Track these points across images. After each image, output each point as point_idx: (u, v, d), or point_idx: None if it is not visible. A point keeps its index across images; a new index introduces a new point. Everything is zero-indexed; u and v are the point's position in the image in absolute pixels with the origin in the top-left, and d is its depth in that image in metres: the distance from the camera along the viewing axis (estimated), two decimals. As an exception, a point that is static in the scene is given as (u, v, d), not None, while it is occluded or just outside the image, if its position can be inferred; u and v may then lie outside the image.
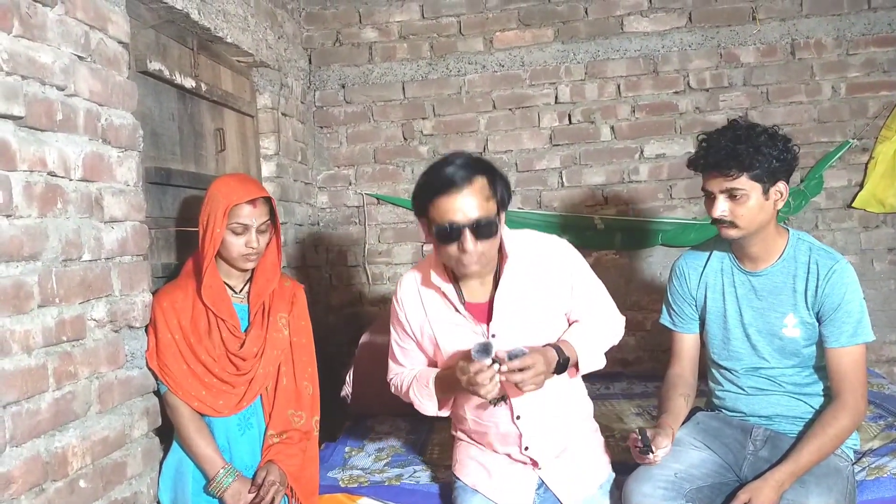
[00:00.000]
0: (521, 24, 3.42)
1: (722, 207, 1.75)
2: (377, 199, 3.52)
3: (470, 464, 1.89)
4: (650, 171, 3.40)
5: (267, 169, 2.97)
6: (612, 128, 3.41)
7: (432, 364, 1.90)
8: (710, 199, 1.79)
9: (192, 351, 1.83)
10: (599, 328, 1.79)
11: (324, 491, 2.20)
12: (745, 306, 1.86)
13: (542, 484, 1.84)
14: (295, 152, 3.21)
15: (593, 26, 3.38)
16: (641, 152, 3.40)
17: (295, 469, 1.90)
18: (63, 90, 1.54)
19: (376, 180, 3.53)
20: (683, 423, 1.92)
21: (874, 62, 3.26)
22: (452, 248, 1.61)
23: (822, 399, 1.85)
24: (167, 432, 1.88)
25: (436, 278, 1.75)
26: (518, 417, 1.77)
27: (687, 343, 2.01)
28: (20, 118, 1.40)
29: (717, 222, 1.79)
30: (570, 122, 3.42)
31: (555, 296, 1.77)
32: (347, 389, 2.95)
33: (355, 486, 2.22)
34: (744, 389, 1.90)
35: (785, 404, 1.86)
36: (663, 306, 2.06)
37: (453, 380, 1.66)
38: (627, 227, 3.35)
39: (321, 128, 3.54)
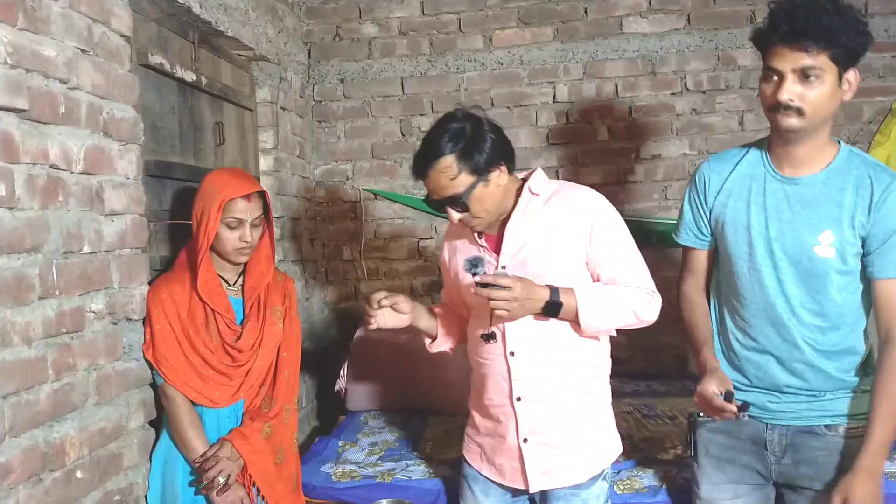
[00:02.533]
0: (520, 23, 3.43)
1: (793, 89, 1.49)
2: (374, 194, 3.53)
3: (471, 446, 1.90)
4: (646, 172, 3.42)
5: (265, 163, 2.98)
6: (608, 128, 3.43)
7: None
8: (772, 80, 1.53)
9: (189, 342, 1.85)
10: (618, 291, 1.69)
11: (317, 489, 2.21)
12: (773, 218, 1.61)
13: (524, 465, 1.75)
14: (293, 146, 3.22)
15: (592, 26, 3.40)
16: (637, 153, 3.42)
17: (250, 451, 1.85)
18: (66, 83, 1.54)
19: (374, 176, 3.54)
20: (696, 459, 1.80)
21: (869, 67, 3.28)
22: (452, 213, 1.73)
23: (839, 360, 1.64)
24: (156, 424, 1.89)
25: None
26: (511, 354, 1.72)
27: (701, 257, 1.81)
28: (24, 111, 1.40)
29: (774, 110, 1.53)
30: (568, 122, 3.44)
31: (572, 239, 1.70)
32: (342, 384, 2.97)
33: (348, 480, 2.24)
34: (756, 340, 1.68)
35: (798, 361, 1.64)
36: (679, 220, 1.84)
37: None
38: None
39: (319, 122, 3.55)
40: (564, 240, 1.71)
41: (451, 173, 1.65)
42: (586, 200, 1.74)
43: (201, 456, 1.82)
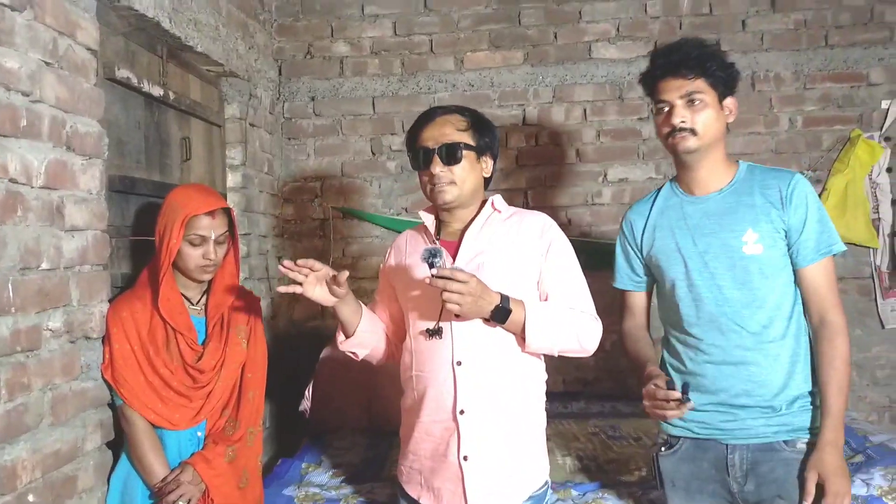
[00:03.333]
0: (491, 46, 3.47)
1: (683, 113, 1.70)
2: (343, 213, 3.52)
3: (411, 475, 1.80)
4: (613, 195, 3.46)
5: (232, 179, 2.95)
6: (577, 151, 3.47)
7: (396, 313, 1.91)
8: (665, 112, 1.74)
9: (149, 362, 1.81)
10: (565, 313, 1.72)
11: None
12: (699, 234, 1.76)
13: (464, 485, 1.70)
14: (262, 163, 3.20)
15: (562, 51, 3.45)
16: (605, 176, 3.46)
17: (212, 475, 1.81)
18: (28, 96, 1.51)
19: (343, 194, 3.53)
20: (664, 491, 1.83)
21: (829, 97, 3.38)
22: (426, 176, 1.76)
23: (783, 346, 1.71)
24: (115, 446, 1.84)
25: (423, 214, 1.88)
26: (458, 363, 1.70)
27: (639, 299, 1.95)
28: (-18, 124, 1.37)
29: (671, 136, 1.73)
30: (537, 144, 3.47)
31: (526, 256, 1.75)
32: (306, 404, 2.93)
33: (311, 503, 2.21)
34: (706, 352, 1.75)
35: (750, 363, 1.71)
36: (614, 267, 1.96)
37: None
38: (589, 248, 3.39)
39: (289, 139, 3.53)
40: (521, 255, 1.76)
41: (460, 126, 1.77)
42: (545, 222, 1.82)
43: (162, 480, 1.78)
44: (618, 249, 1.96)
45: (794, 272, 1.73)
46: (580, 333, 1.72)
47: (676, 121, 1.71)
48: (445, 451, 1.71)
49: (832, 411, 1.65)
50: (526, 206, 3.45)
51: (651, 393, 1.68)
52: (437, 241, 1.79)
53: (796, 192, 1.70)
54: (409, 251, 1.86)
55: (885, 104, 3.35)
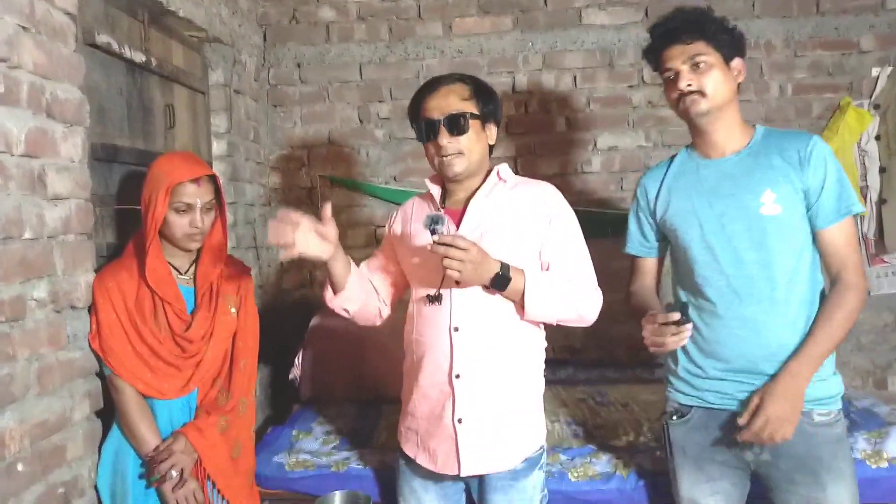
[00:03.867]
0: (480, 11, 3.41)
1: (688, 77, 1.70)
2: (331, 181, 3.49)
3: (408, 434, 1.85)
4: (603, 163, 3.45)
5: (218, 147, 2.91)
6: (567, 118, 3.45)
7: (393, 274, 1.94)
8: (672, 80, 1.74)
9: (137, 332, 1.79)
10: (565, 283, 1.74)
11: (270, 480, 2.19)
12: (715, 196, 1.74)
13: (458, 446, 1.74)
14: (247, 131, 3.15)
15: (552, 17, 3.40)
16: (595, 144, 3.45)
17: (205, 445, 1.81)
18: (6, 62, 1.47)
19: (331, 162, 3.49)
20: (672, 459, 1.83)
21: (820, 64, 3.36)
22: (432, 147, 1.76)
23: (800, 310, 1.70)
24: (106, 417, 1.84)
25: (428, 183, 1.87)
26: (455, 329, 1.73)
27: (649, 263, 1.96)
28: (-41, 90, 1.34)
29: (682, 100, 1.73)
30: (527, 112, 3.45)
31: (530, 226, 1.76)
32: (296, 372, 2.94)
33: (301, 470, 2.22)
34: (721, 316, 1.72)
35: (766, 328, 1.69)
36: (626, 232, 1.98)
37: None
38: (579, 217, 3.38)
39: (275, 107, 3.48)
40: (524, 225, 1.76)
41: (464, 95, 1.76)
42: (551, 192, 1.83)
43: (154, 449, 1.78)
44: (630, 215, 1.96)
45: (813, 234, 1.71)
46: (579, 303, 1.75)
47: (683, 84, 1.71)
48: (441, 412, 1.75)
49: (808, 349, 1.64)
50: (516, 174, 3.43)
51: (649, 320, 1.69)
52: (441, 209, 1.80)
53: (815, 153, 1.68)
54: (414, 218, 1.87)
55: (874, 71, 3.34)
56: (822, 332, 1.66)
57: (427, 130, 1.75)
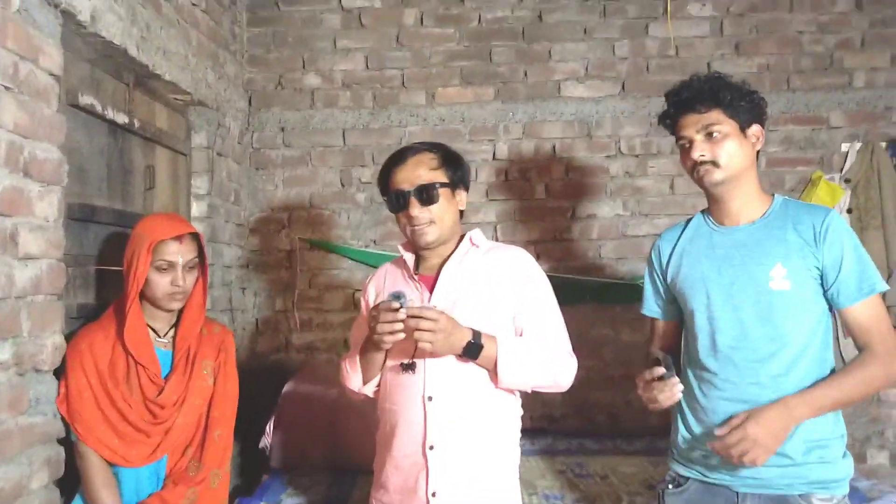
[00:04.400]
0: (463, 82, 3.50)
1: (702, 147, 1.68)
2: (310, 244, 3.48)
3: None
4: (581, 231, 3.48)
5: (197, 208, 2.90)
6: (546, 186, 3.49)
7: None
8: (686, 149, 1.72)
9: (107, 396, 1.75)
10: (539, 349, 1.73)
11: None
12: (726, 266, 1.71)
13: None
14: (228, 193, 3.16)
15: (532, 88, 3.49)
16: (573, 212, 3.49)
17: None
18: (-16, 121, 1.47)
19: (311, 225, 3.49)
20: None
21: (792, 139, 3.46)
22: (403, 217, 1.78)
23: (800, 388, 1.63)
24: (70, 484, 1.77)
25: (401, 250, 1.87)
26: (430, 398, 1.69)
27: (663, 326, 1.91)
28: (-66, 148, 1.33)
29: (696, 170, 1.70)
30: (507, 179, 3.49)
31: (504, 291, 1.76)
32: (266, 441, 2.85)
33: (270, 544, 2.13)
34: (719, 388, 1.69)
35: (764, 403, 1.63)
36: (643, 294, 1.95)
37: (369, 341, 1.72)
38: (558, 284, 3.38)
39: (257, 169, 3.50)
40: (498, 290, 1.76)
41: (433, 164, 1.78)
42: (525, 257, 1.84)
43: None
44: (646, 276, 1.94)
45: (839, 312, 1.67)
46: (555, 369, 1.74)
47: (696, 155, 1.70)
48: (415, 486, 1.70)
49: (813, 391, 1.59)
50: (495, 240, 3.46)
51: (639, 378, 1.68)
52: (415, 277, 1.80)
53: (831, 230, 1.64)
54: (387, 286, 1.86)
55: (844, 147, 3.44)
56: (835, 381, 1.61)
57: (398, 201, 1.77)
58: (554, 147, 3.49)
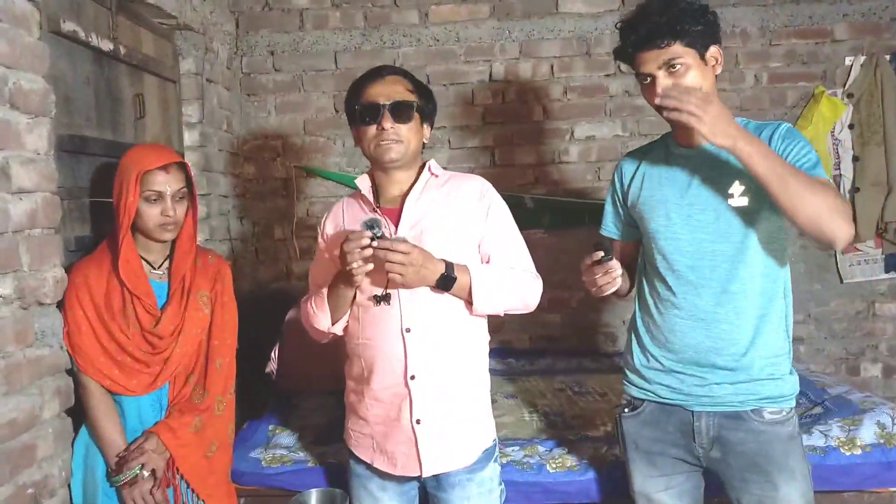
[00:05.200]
0: (456, -1, 3.38)
1: (665, 83, 1.63)
2: (306, 171, 3.45)
3: (361, 440, 1.82)
4: (580, 153, 3.45)
5: (190, 137, 2.85)
6: (544, 108, 3.43)
7: None
8: (648, 84, 1.67)
9: (105, 328, 1.76)
10: (507, 273, 1.76)
11: (246, 476, 2.16)
12: (686, 187, 1.72)
13: (418, 448, 1.73)
14: (220, 120, 3.10)
15: (529, 5, 3.38)
16: (572, 133, 3.44)
17: (177, 445, 1.79)
18: (-36, 51, 1.42)
19: (306, 152, 3.45)
20: (626, 453, 1.84)
21: (794, 53, 3.38)
22: (372, 130, 1.74)
23: (755, 302, 1.67)
24: (78, 414, 1.81)
25: (359, 181, 1.83)
26: (408, 330, 1.71)
27: (619, 247, 1.91)
28: (-85, 80, 1.29)
29: (661, 107, 1.61)
30: (504, 101, 3.43)
31: (468, 219, 1.77)
32: (272, 366, 2.91)
33: (278, 465, 2.20)
34: (677, 306, 1.71)
35: (720, 320, 1.67)
36: (603, 213, 1.95)
37: (339, 276, 1.70)
38: (556, 206, 3.40)
39: (248, 95, 3.43)
40: (462, 219, 1.77)
41: (409, 87, 1.77)
42: (483, 186, 1.83)
43: (125, 448, 1.76)
44: (608, 198, 1.93)
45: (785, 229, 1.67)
46: (524, 293, 1.79)
47: (661, 90, 1.62)
48: (398, 415, 1.73)
49: (767, 151, 1.51)
50: (493, 164, 3.43)
51: (584, 263, 1.68)
52: (377, 210, 1.77)
53: (778, 132, 1.64)
54: (347, 219, 1.83)
55: (848, 60, 3.37)
56: (777, 162, 1.52)
57: (370, 113, 1.73)
58: (552, 67, 3.41)
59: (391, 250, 1.57)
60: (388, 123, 1.71)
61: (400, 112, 1.72)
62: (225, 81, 3.17)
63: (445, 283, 1.67)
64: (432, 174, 1.81)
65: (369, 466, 1.81)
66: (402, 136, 1.73)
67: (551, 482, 2.11)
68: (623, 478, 2.10)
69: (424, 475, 1.74)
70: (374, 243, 1.57)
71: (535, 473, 2.10)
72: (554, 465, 2.15)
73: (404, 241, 1.60)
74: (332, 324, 1.79)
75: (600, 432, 2.36)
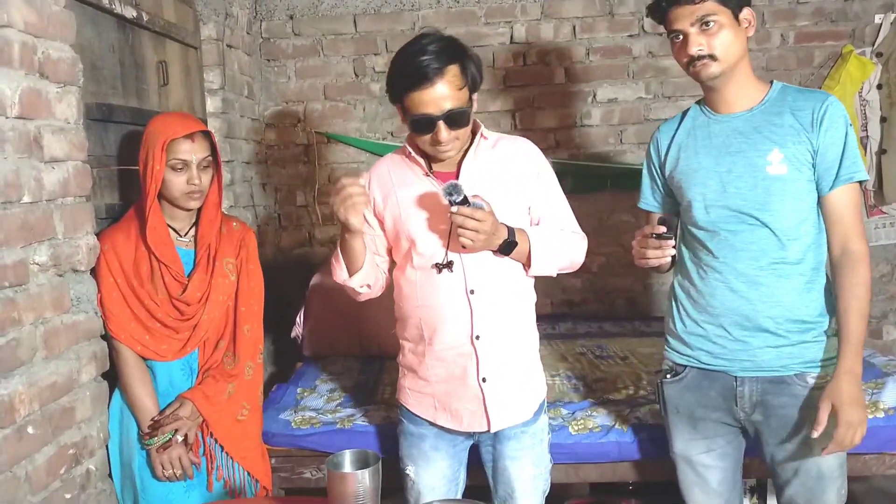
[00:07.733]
0: (477, -41, 3.33)
1: (698, 40, 1.62)
2: (328, 137, 3.45)
3: (421, 399, 1.83)
4: (602, 116, 3.41)
5: (212, 104, 2.86)
6: (566, 70, 3.39)
7: (392, 247, 1.86)
8: (680, 41, 1.66)
9: (134, 295, 1.80)
10: (560, 235, 1.79)
11: (277, 437, 2.22)
12: (723, 154, 1.71)
13: (486, 405, 1.77)
14: (241, 86, 3.10)
15: (550, -36, 3.32)
16: (594, 96, 3.40)
17: (211, 410, 1.84)
18: (-4, 21, 1.43)
19: (327, 118, 3.44)
20: (666, 416, 1.86)
21: (822, 11, 3.30)
22: (427, 138, 1.68)
23: (797, 269, 1.68)
24: (112, 378, 1.86)
25: (409, 148, 1.79)
26: (472, 292, 1.73)
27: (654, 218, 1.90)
28: (-51, 51, 1.30)
29: (692, 64, 1.66)
30: (525, 63, 3.39)
31: (520, 182, 1.78)
32: (298, 330, 2.95)
33: (308, 427, 2.25)
34: (718, 271, 1.72)
35: (762, 284, 1.68)
36: (640, 187, 1.94)
37: (343, 227, 1.68)
38: (578, 170, 3.38)
39: (268, 61, 3.42)
40: (514, 182, 1.78)
41: (459, 83, 1.64)
42: (533, 148, 1.83)
43: (160, 413, 1.81)
44: (644, 170, 1.92)
45: (819, 199, 1.67)
46: (573, 253, 1.82)
47: (693, 50, 1.63)
48: (463, 374, 1.77)
49: (852, 339, 1.62)
50: (514, 128, 3.41)
51: (638, 233, 1.71)
52: (430, 174, 1.76)
53: (828, 114, 1.62)
54: (396, 181, 1.80)
55: (878, 18, 3.29)
56: (854, 314, 1.62)
57: (423, 125, 1.65)
58: (574, 28, 3.36)
59: (471, 217, 1.57)
60: (443, 135, 1.65)
61: (454, 120, 1.65)
62: (245, 47, 3.16)
63: (508, 247, 1.69)
64: (483, 137, 1.79)
65: (425, 425, 1.83)
66: (458, 136, 1.69)
67: (573, 444, 2.15)
68: (646, 440, 2.14)
69: (493, 430, 1.79)
70: (455, 208, 1.57)
71: (558, 435, 2.13)
72: (576, 428, 2.18)
73: (482, 207, 1.59)
74: (349, 276, 1.77)
75: (622, 395, 2.39)
